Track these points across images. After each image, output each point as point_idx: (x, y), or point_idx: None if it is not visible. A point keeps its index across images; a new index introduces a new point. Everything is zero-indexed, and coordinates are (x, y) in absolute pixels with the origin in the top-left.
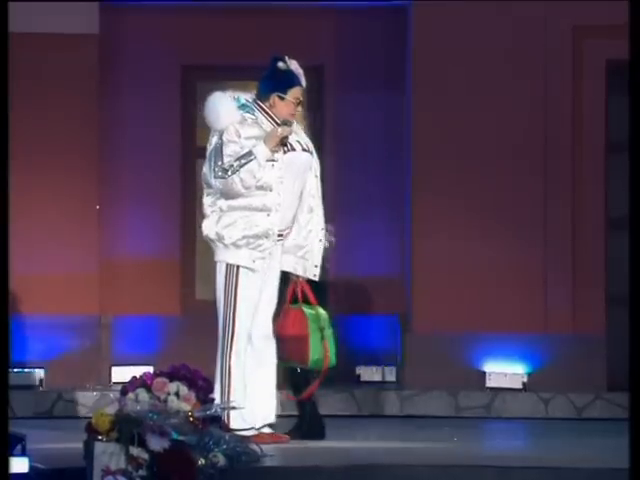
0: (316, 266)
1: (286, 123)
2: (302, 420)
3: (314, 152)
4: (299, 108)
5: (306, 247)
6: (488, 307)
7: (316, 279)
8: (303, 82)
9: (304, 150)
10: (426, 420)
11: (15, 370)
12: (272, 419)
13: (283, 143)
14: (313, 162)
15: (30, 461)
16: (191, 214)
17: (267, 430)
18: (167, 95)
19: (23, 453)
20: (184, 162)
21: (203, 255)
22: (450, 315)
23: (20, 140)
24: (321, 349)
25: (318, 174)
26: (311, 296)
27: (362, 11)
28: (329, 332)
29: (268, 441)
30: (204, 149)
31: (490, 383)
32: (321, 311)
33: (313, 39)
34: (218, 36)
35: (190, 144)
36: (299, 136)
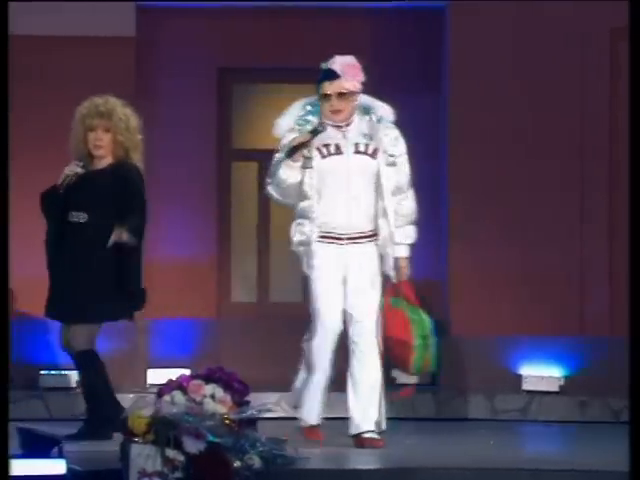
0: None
1: (316, 128)
2: None
3: (382, 153)
4: (342, 109)
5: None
6: (524, 309)
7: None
8: (338, 75)
9: (359, 152)
10: (462, 423)
11: (52, 372)
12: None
13: (303, 148)
14: (373, 165)
15: (67, 463)
16: (227, 216)
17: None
18: (203, 97)
19: (60, 455)
20: (220, 164)
21: (239, 258)
22: (487, 318)
23: (60, 143)
24: (424, 358)
25: (384, 176)
26: (412, 296)
27: (399, 12)
28: (433, 340)
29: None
30: (240, 151)
31: (526, 386)
32: (424, 316)
33: (349, 40)
34: (254, 38)
35: (226, 146)
36: (358, 137)
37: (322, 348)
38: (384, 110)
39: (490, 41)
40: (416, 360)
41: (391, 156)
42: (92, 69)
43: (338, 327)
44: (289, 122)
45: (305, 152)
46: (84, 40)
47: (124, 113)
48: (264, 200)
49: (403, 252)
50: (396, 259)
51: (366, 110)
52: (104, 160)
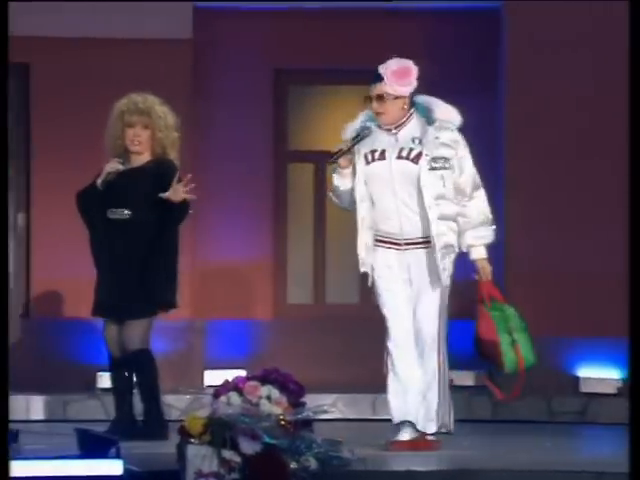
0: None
1: (359, 134)
2: None
3: (424, 157)
4: (384, 112)
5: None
6: (582, 311)
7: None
8: (381, 78)
9: (400, 158)
10: (519, 425)
11: (107, 374)
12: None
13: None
14: (414, 170)
15: (124, 464)
16: (283, 218)
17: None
18: (259, 98)
19: (117, 456)
20: (276, 165)
21: (295, 259)
22: (544, 319)
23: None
24: (513, 353)
25: (422, 181)
26: (495, 294)
27: (454, 13)
28: (521, 335)
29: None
30: (296, 152)
31: (584, 388)
32: (510, 311)
33: (405, 41)
34: (310, 39)
35: (282, 147)
36: (406, 142)
37: (399, 348)
38: (442, 112)
39: (546, 40)
40: (507, 359)
41: (436, 160)
42: (150, 71)
43: (409, 326)
44: (354, 127)
45: (353, 158)
46: (142, 42)
47: (162, 111)
48: (320, 201)
49: (477, 254)
50: (473, 261)
51: (424, 112)
52: (142, 157)
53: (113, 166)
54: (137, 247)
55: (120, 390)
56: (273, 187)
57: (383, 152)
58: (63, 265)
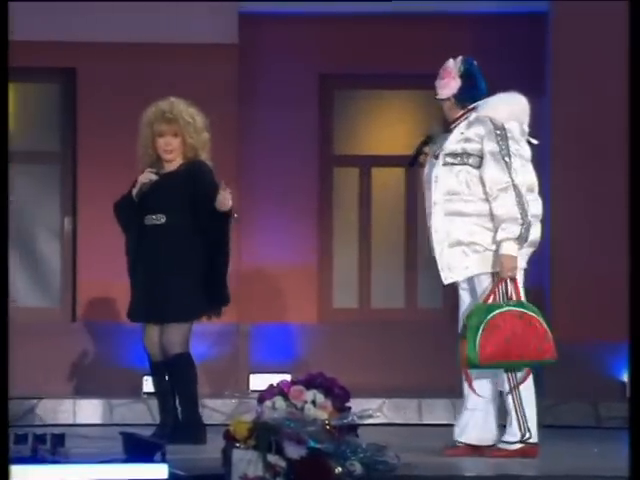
0: (442, 269)
1: (428, 135)
2: None
3: (443, 154)
4: (445, 111)
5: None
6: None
7: (444, 282)
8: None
9: (436, 157)
10: (564, 430)
11: (152, 378)
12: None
13: (421, 154)
14: (433, 169)
15: (169, 468)
16: (329, 222)
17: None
18: (305, 103)
19: (163, 460)
20: (321, 170)
21: (341, 263)
22: (590, 324)
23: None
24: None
25: (437, 179)
26: (517, 292)
27: (500, 16)
28: (471, 333)
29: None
30: (341, 157)
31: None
32: (494, 309)
33: (451, 45)
34: (355, 44)
35: (328, 152)
36: (439, 143)
37: None
38: (486, 108)
39: (592, 41)
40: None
41: (452, 155)
42: (197, 75)
43: None
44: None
45: (423, 160)
46: (189, 47)
47: (190, 115)
48: (365, 205)
49: (501, 249)
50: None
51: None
52: (174, 162)
53: (147, 176)
54: (175, 251)
55: (163, 394)
56: (318, 191)
57: (434, 154)
58: (109, 269)
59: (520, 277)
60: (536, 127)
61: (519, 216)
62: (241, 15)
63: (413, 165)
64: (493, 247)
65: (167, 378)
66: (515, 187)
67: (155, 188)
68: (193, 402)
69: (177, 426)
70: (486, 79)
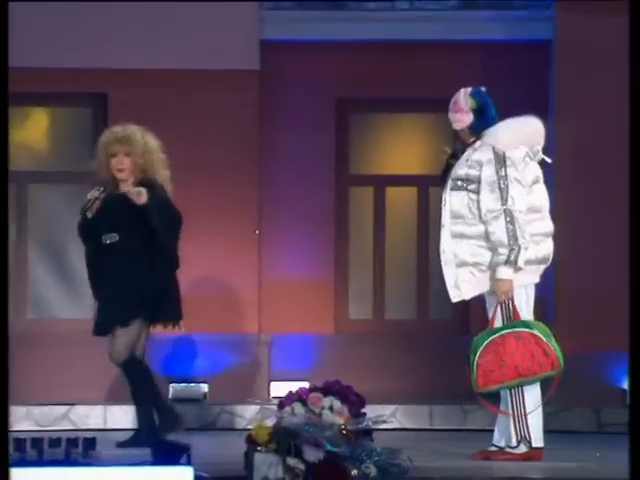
0: (450, 287)
1: (451, 154)
2: None
3: (450, 179)
4: (459, 135)
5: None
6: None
7: (452, 300)
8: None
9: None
10: (569, 435)
11: (182, 385)
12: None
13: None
14: (443, 193)
15: (195, 470)
16: (345, 238)
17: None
18: (323, 126)
19: (188, 462)
20: (338, 189)
21: (356, 277)
22: (592, 335)
23: (185, 171)
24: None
25: (445, 202)
26: (515, 313)
27: (508, 45)
28: (473, 358)
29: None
30: (357, 177)
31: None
32: (490, 335)
33: (461, 72)
34: (370, 70)
35: (344, 172)
36: (454, 166)
37: None
38: (489, 135)
39: (595, 69)
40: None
41: (456, 180)
42: (220, 100)
43: None
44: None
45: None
46: (212, 73)
47: (142, 136)
48: (380, 222)
49: (495, 273)
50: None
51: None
52: (128, 182)
53: (93, 194)
54: (123, 268)
55: (133, 399)
56: (335, 209)
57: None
58: None
59: (532, 291)
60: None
61: (506, 242)
62: (263, 43)
63: (445, 181)
64: (506, 267)
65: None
66: (508, 214)
67: (109, 208)
68: (153, 398)
69: (153, 426)
70: (496, 104)
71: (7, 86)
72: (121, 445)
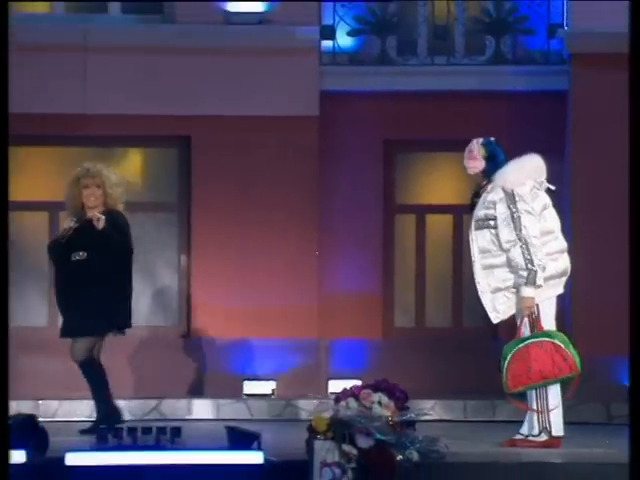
0: (490, 312)
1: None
2: None
3: (474, 222)
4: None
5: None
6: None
7: (494, 321)
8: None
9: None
10: (584, 426)
11: (254, 382)
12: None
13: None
14: (470, 231)
15: (264, 455)
16: (391, 258)
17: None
18: (372, 163)
19: (259, 448)
20: (385, 216)
21: (401, 291)
22: (604, 341)
23: (257, 202)
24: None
25: (472, 239)
26: (539, 324)
27: (528, 94)
28: (502, 363)
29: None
30: (402, 206)
31: None
32: (517, 343)
33: (489, 117)
34: (412, 116)
35: (391, 202)
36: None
37: None
38: (498, 178)
39: (608, 114)
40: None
41: (479, 220)
42: (285, 141)
43: None
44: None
45: None
46: (280, 119)
47: (108, 172)
48: (421, 245)
49: (519, 294)
50: None
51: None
52: (95, 210)
53: (69, 224)
54: (91, 280)
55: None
56: (383, 233)
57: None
58: (216, 294)
59: (553, 303)
60: (559, 183)
61: (524, 265)
62: (322, 93)
63: (473, 208)
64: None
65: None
66: (523, 241)
67: (79, 231)
68: (100, 392)
69: (110, 416)
70: (516, 147)
71: (7, 84)
72: (84, 432)
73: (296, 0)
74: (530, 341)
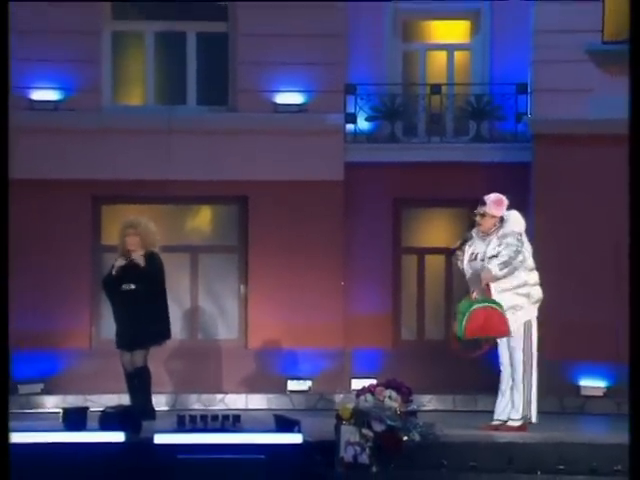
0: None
1: (464, 239)
2: None
3: (490, 261)
4: (482, 223)
5: None
6: (586, 342)
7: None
8: (484, 202)
9: (483, 260)
10: (541, 415)
11: (294, 381)
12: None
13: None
14: (481, 271)
15: (303, 436)
16: (398, 288)
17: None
18: (384, 216)
19: (299, 431)
20: (394, 257)
21: (407, 312)
22: (562, 349)
23: (298, 246)
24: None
25: (488, 267)
26: (489, 294)
27: (501, 165)
28: (460, 315)
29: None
30: (406, 248)
31: (583, 392)
32: (474, 302)
33: (471, 182)
34: (414, 180)
35: (397, 245)
36: (486, 248)
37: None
38: (509, 224)
39: (564, 184)
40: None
41: (492, 257)
42: (317, 201)
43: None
44: (468, 234)
45: (459, 254)
46: (312, 183)
47: (146, 223)
48: (421, 279)
49: (486, 266)
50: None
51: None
52: (137, 252)
53: (119, 263)
54: (139, 306)
55: (131, 390)
56: (392, 270)
57: (477, 255)
58: (267, 315)
59: (534, 325)
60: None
61: (513, 255)
62: (346, 163)
63: (452, 253)
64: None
65: (135, 381)
66: (522, 260)
67: (128, 268)
68: (148, 392)
69: (137, 410)
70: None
71: (7, 84)
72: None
73: (327, 93)
74: (482, 305)
